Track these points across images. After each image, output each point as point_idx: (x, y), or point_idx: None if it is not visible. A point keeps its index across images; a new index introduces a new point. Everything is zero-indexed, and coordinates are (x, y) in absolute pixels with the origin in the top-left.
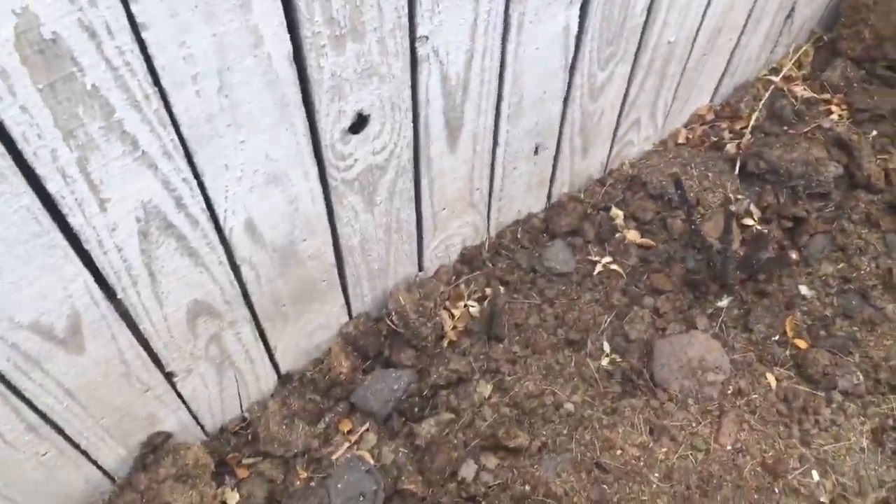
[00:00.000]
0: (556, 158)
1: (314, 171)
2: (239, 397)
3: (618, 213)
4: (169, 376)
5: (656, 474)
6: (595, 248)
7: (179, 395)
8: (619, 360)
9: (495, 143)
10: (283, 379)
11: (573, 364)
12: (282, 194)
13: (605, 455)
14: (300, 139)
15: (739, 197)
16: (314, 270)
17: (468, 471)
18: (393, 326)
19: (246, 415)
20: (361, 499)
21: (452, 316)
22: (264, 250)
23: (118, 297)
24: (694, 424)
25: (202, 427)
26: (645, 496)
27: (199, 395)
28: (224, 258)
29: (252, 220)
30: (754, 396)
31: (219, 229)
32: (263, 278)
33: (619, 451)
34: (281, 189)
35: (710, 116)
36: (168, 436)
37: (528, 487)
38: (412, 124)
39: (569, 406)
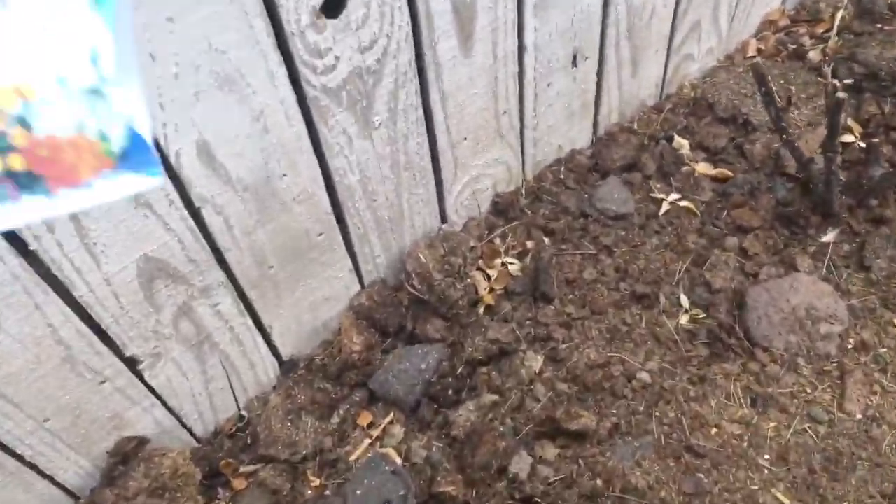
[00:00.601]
0: (600, 73)
1: (281, 71)
2: (232, 391)
3: (682, 143)
4: (131, 363)
5: (767, 456)
6: (658, 184)
7: (150, 388)
8: (701, 315)
9: (521, 47)
10: (286, 367)
11: (644, 324)
12: (242, 106)
13: (696, 435)
14: (254, 21)
15: None
16: (304, 219)
17: (521, 465)
18: (414, 293)
19: (244, 413)
20: None
21: (488, 277)
22: (230, 188)
23: (31, 249)
24: (809, 390)
25: (189, 430)
26: (755, 484)
27: (176, 388)
28: (176, 196)
29: (206, 143)
30: (883, 350)
31: (161, 152)
32: (237, 228)
33: (714, 430)
34: (239, 97)
35: (783, 22)
36: (142, 441)
37: (599, 482)
38: (408, 9)
39: (643, 376)
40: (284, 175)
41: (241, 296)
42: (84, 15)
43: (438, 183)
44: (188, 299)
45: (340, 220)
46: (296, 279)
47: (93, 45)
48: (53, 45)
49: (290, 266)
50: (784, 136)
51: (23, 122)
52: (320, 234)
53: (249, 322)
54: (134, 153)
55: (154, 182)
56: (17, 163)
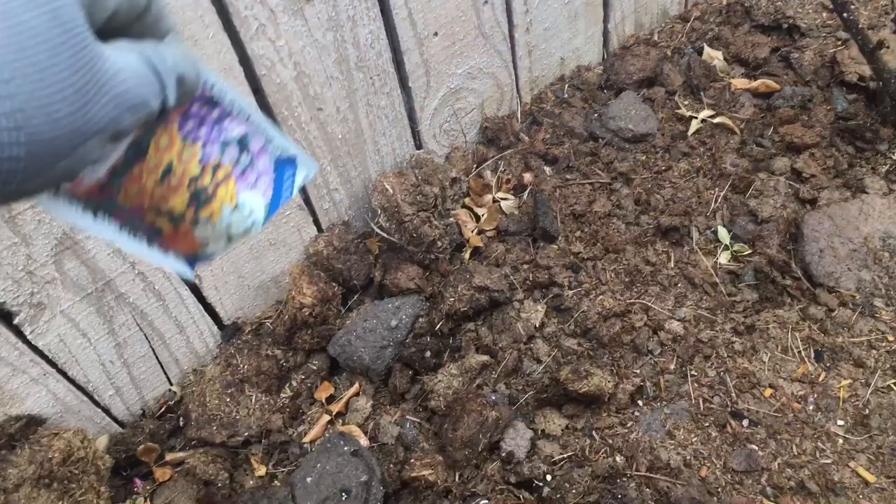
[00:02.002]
0: None
1: None
2: (157, 360)
3: (714, 55)
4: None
5: (840, 422)
6: (685, 100)
7: (36, 351)
8: (746, 252)
9: None
10: (228, 331)
11: (672, 264)
12: None
13: (745, 398)
14: None
15: None
16: None
17: (517, 441)
18: (383, 234)
19: (174, 389)
20: (344, 498)
21: (476, 217)
22: None
23: None
24: (891, 338)
25: (105, 410)
26: (827, 457)
27: (75, 352)
28: None
29: None
30: None
31: None
32: None
33: (768, 391)
34: None
35: None
36: (32, 421)
37: (619, 459)
38: None
39: (674, 327)
40: None
41: None
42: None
43: (406, 94)
44: (69, 228)
45: None
46: None
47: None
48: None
49: None
50: (854, 30)
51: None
52: None
53: (167, 268)
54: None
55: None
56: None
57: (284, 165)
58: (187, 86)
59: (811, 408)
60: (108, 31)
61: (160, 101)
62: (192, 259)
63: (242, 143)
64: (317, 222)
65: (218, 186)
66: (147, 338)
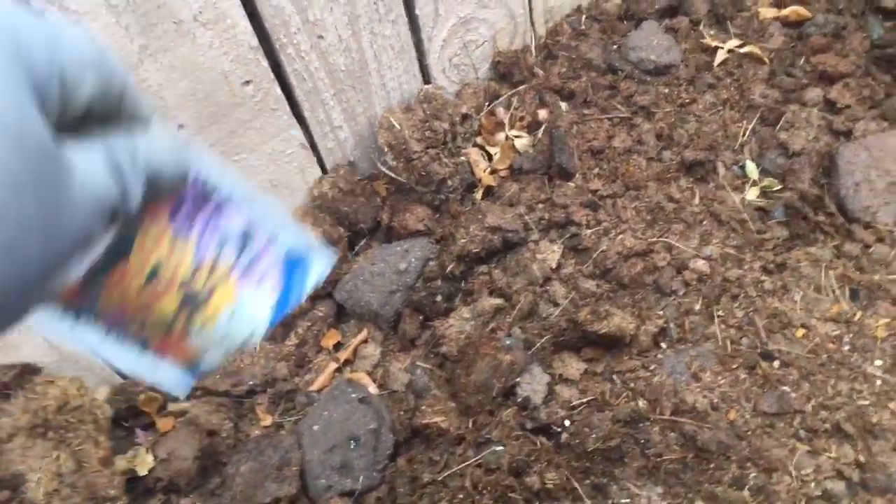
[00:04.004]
0: None
1: None
2: None
3: None
4: None
5: (878, 362)
6: (710, 30)
7: None
8: (776, 187)
9: None
10: None
11: (698, 200)
12: None
13: (776, 339)
14: None
15: None
16: (217, 54)
17: (534, 386)
18: (390, 174)
19: None
20: (353, 445)
21: (488, 156)
22: None
23: None
24: None
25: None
26: (864, 398)
27: None
28: None
29: None
30: None
31: None
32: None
33: (801, 332)
34: None
35: None
36: (28, 370)
37: (642, 403)
38: None
39: (700, 265)
40: None
41: None
42: None
43: (413, 24)
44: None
45: (277, 67)
46: (223, 150)
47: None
48: None
49: (211, 129)
50: None
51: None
52: (247, 83)
53: None
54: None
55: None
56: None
57: (295, 262)
58: (166, 180)
59: (847, 348)
60: (80, 122)
61: (125, 204)
62: (191, 369)
63: (245, 238)
64: (321, 163)
65: (213, 290)
66: None
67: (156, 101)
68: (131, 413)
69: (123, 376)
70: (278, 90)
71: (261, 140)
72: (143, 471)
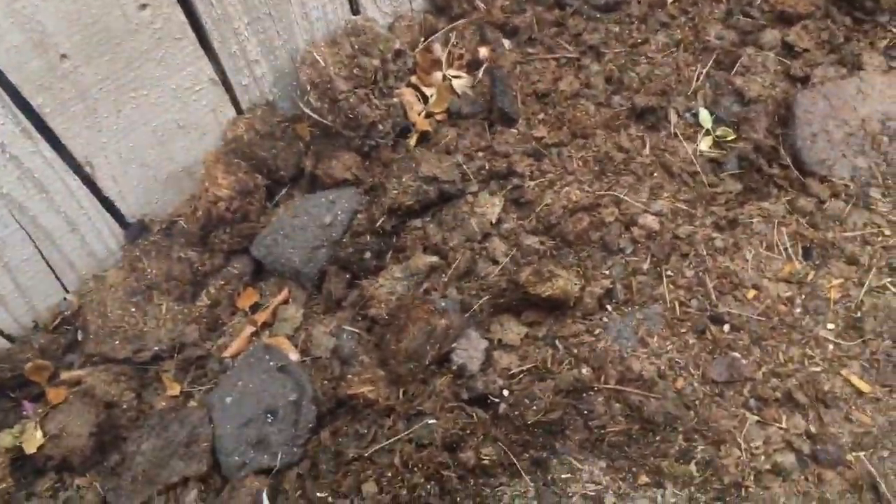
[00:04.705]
0: None
1: None
2: (47, 263)
3: None
4: None
5: (831, 326)
6: None
7: None
8: (730, 137)
9: None
10: (132, 231)
11: (648, 150)
12: None
13: (726, 301)
14: None
15: None
16: None
17: (470, 352)
18: (314, 115)
19: (69, 297)
20: (270, 419)
21: (423, 97)
22: None
23: None
24: (888, 232)
25: None
26: (816, 364)
27: None
28: None
29: None
30: None
31: None
32: None
33: (752, 293)
34: None
35: None
36: None
37: (586, 370)
38: None
39: (649, 221)
40: None
41: (19, 103)
42: None
43: None
44: None
45: None
46: (118, 85)
47: None
48: None
49: (102, 60)
50: None
51: None
52: (144, 6)
53: (47, 151)
54: None
55: None
56: None
57: None
58: None
59: (799, 310)
60: None
61: None
62: None
63: None
64: (235, 102)
65: None
66: (30, 236)
67: (32, 27)
68: (17, 383)
69: (11, 340)
70: (181, 16)
71: (163, 74)
72: (31, 448)
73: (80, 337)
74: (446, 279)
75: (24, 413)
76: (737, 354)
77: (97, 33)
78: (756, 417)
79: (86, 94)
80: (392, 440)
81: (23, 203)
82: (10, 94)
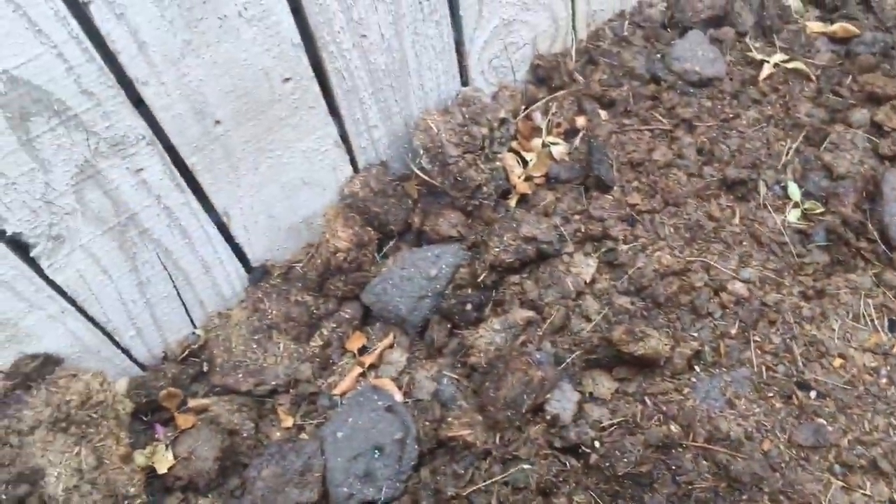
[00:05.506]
0: None
1: None
2: (181, 301)
3: None
4: (16, 245)
5: None
6: (757, 43)
7: (54, 286)
8: (818, 210)
9: None
10: (256, 274)
11: (738, 220)
12: None
13: (813, 368)
14: None
15: None
16: (259, 50)
17: (564, 403)
18: (424, 177)
19: (198, 332)
20: (377, 455)
21: (524, 161)
22: None
23: None
24: None
25: (126, 351)
26: None
27: (95, 289)
28: None
29: None
30: None
31: None
32: (154, 49)
33: (838, 361)
34: None
35: None
36: (49, 360)
37: (674, 427)
38: None
39: (737, 288)
40: None
41: (176, 161)
42: None
43: (456, 24)
44: (92, 156)
45: (317, 65)
46: (258, 147)
47: None
48: None
49: (248, 125)
50: None
51: None
52: (287, 80)
53: (194, 203)
54: None
55: None
56: None
57: None
58: None
59: (884, 381)
60: None
61: None
62: None
63: None
64: (353, 161)
65: None
66: (171, 277)
67: (195, 98)
68: (151, 408)
69: (144, 368)
70: (317, 88)
71: (296, 137)
72: (162, 468)
73: (205, 368)
74: (541, 333)
75: (157, 436)
76: (822, 421)
77: (247, 103)
78: (841, 483)
79: (231, 154)
80: (489, 482)
81: (168, 247)
82: (170, 154)
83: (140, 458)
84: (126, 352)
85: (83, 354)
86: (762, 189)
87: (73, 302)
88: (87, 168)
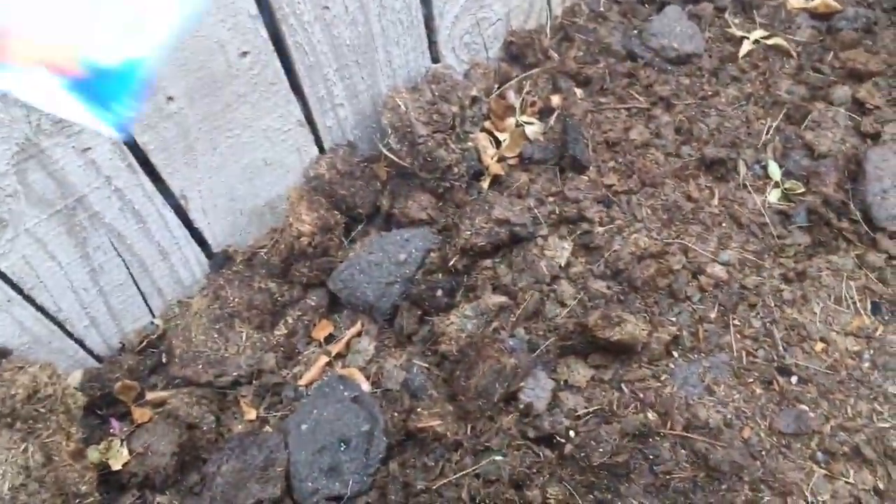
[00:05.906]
0: None
1: None
2: (138, 289)
3: None
4: None
5: None
6: (736, 18)
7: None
8: (799, 190)
9: None
10: (217, 260)
11: (717, 201)
12: None
13: (794, 353)
14: None
15: None
16: (215, 22)
17: (537, 391)
18: (393, 157)
19: (156, 322)
20: (343, 448)
21: (497, 141)
22: None
23: None
24: None
25: (79, 342)
26: (884, 420)
27: (43, 276)
28: None
29: None
30: None
31: None
32: None
33: (820, 345)
34: None
35: None
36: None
37: (651, 415)
38: None
39: (716, 271)
40: None
41: (126, 140)
42: None
43: None
44: (33, 134)
45: (277, 39)
46: (215, 125)
47: None
48: None
49: (203, 102)
50: None
51: None
52: (245, 54)
53: (148, 185)
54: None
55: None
56: None
57: None
58: None
59: (867, 365)
60: None
61: None
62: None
63: None
64: (318, 142)
65: None
66: (126, 263)
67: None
68: (106, 401)
69: (100, 360)
70: (277, 63)
71: (256, 115)
72: (117, 465)
73: (164, 360)
74: (514, 319)
75: (112, 431)
76: (804, 407)
77: (202, 78)
78: (823, 471)
79: (187, 133)
80: (459, 474)
81: (122, 232)
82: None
83: (94, 454)
84: (80, 343)
85: (32, 346)
86: (742, 169)
87: (19, 290)
88: (29, 147)
